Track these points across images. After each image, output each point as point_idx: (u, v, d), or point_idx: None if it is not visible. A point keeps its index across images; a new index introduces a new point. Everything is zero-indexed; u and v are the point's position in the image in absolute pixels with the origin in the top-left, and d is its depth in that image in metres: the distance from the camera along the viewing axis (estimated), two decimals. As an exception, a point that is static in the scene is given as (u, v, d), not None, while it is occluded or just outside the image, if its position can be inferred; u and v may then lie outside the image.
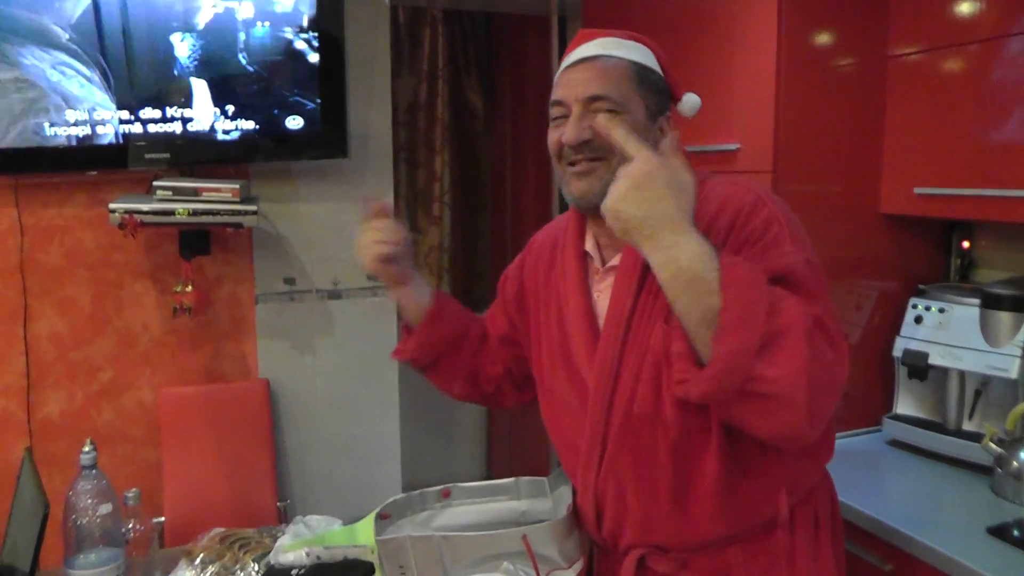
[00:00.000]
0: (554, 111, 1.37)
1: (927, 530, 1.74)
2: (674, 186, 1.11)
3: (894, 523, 1.78)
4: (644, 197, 1.09)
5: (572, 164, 1.34)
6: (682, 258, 1.07)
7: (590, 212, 1.37)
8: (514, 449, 4.00)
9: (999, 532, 1.73)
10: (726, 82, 2.26)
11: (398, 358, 1.65)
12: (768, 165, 2.12)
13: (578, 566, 1.37)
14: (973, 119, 2.01)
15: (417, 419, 3.95)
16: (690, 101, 1.42)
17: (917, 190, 2.15)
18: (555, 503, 1.51)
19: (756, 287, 1.06)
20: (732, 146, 2.23)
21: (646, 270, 1.26)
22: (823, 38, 2.17)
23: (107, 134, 2.39)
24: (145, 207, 2.30)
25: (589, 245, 1.45)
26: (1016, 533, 1.73)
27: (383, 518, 1.47)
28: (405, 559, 1.35)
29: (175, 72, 2.40)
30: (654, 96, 1.35)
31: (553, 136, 1.37)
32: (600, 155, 1.31)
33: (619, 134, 1.17)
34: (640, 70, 1.34)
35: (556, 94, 1.36)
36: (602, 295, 1.41)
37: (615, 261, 1.39)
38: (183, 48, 2.39)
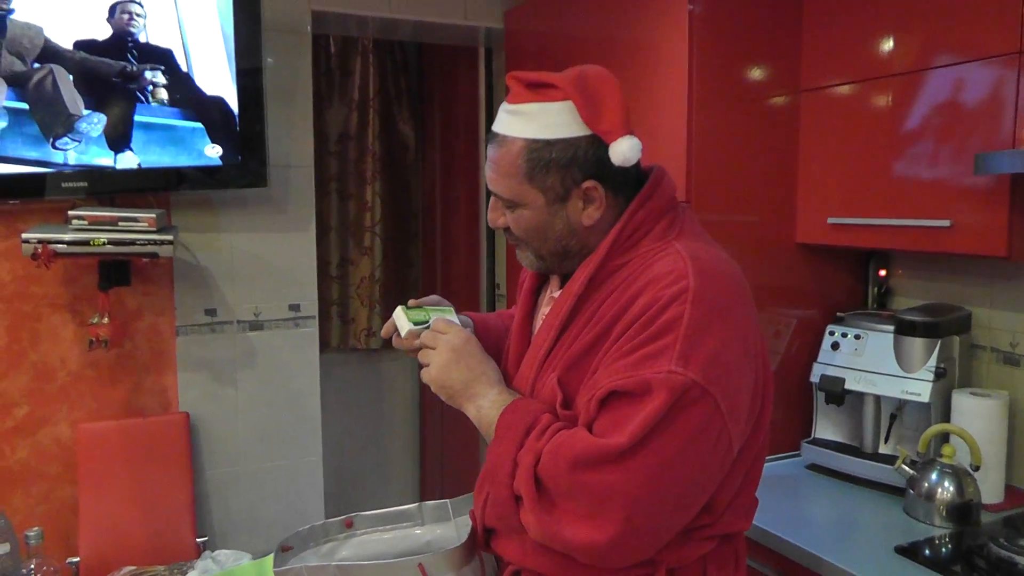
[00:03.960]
0: None
1: (837, 551, 1.77)
2: (484, 354, 1.36)
3: (806, 545, 1.80)
4: (465, 363, 1.33)
5: None
6: (484, 410, 1.31)
7: None
8: (446, 475, 3.97)
9: (907, 551, 1.75)
10: (640, 112, 2.29)
11: None
12: (681, 195, 2.14)
13: (476, 592, 1.36)
14: (884, 151, 2.07)
15: (347, 450, 3.92)
16: (618, 152, 1.28)
17: (830, 220, 2.20)
18: (458, 529, 1.50)
19: (514, 430, 1.24)
20: (646, 175, 2.25)
21: (566, 320, 1.31)
22: (735, 70, 2.21)
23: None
24: (60, 237, 2.25)
25: None
26: (927, 552, 1.76)
27: (285, 550, 1.44)
28: (302, 590, 1.32)
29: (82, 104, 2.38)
30: (556, 176, 1.29)
31: None
32: (516, 241, 1.38)
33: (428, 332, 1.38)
34: (533, 152, 1.28)
35: None
36: (547, 316, 1.41)
37: (557, 293, 1.40)
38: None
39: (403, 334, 1.42)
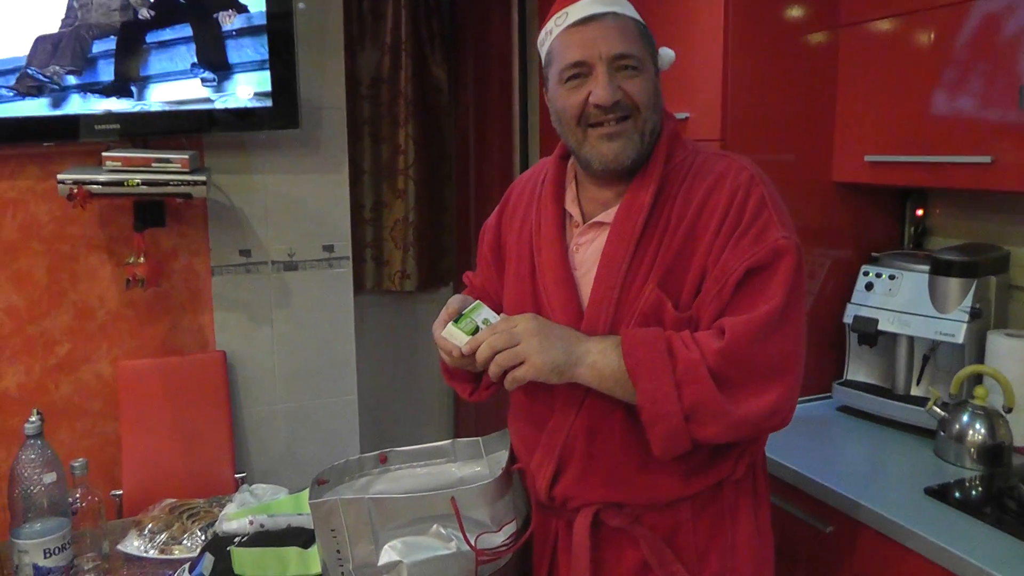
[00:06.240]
0: (571, 72, 1.33)
1: (867, 492, 1.76)
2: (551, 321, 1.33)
3: (836, 486, 1.79)
4: (554, 335, 1.28)
5: (598, 125, 1.33)
6: (600, 363, 1.26)
7: (611, 175, 1.38)
8: (479, 415, 4.01)
9: (936, 493, 1.75)
10: (676, 50, 2.24)
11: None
12: (716, 134, 2.12)
13: (509, 528, 1.38)
14: (925, 87, 2.01)
15: (381, 389, 3.97)
16: (666, 55, 1.43)
17: (868, 158, 2.15)
18: (490, 466, 1.52)
19: (653, 358, 1.24)
20: (682, 115, 2.22)
21: (644, 231, 1.32)
22: (773, 5, 2.16)
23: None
24: (95, 178, 2.28)
25: (569, 199, 1.45)
26: (957, 494, 1.75)
27: (320, 483, 1.47)
28: (336, 522, 1.35)
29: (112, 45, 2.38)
30: (654, 50, 1.39)
31: (574, 98, 1.33)
32: (627, 113, 1.33)
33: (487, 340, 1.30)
34: (642, 26, 1.37)
35: (574, 55, 1.32)
36: (581, 249, 1.40)
37: (603, 217, 1.38)
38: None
39: (463, 346, 1.33)
